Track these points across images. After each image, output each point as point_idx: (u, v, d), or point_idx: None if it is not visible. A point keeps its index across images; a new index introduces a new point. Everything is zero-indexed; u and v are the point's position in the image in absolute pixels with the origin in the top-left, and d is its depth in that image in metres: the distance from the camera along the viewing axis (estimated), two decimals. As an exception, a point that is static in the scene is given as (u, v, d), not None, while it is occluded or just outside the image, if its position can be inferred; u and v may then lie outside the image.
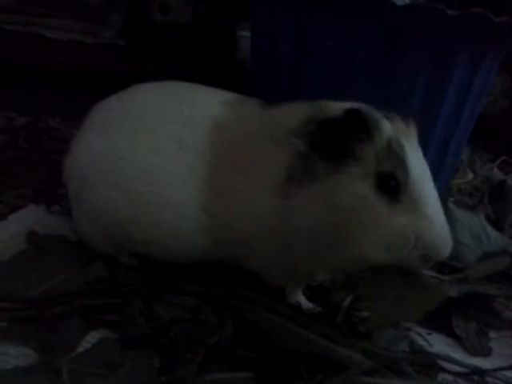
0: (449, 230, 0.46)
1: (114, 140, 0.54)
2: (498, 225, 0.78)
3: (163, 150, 0.52)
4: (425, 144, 0.62)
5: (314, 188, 0.47)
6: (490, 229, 0.73)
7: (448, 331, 0.57)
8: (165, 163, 0.52)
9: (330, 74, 0.65)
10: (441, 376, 0.51)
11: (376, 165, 0.45)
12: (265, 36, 0.72)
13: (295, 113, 0.50)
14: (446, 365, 0.52)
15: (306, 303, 0.56)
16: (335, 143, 0.46)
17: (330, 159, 0.46)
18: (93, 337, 0.49)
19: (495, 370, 0.51)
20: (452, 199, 0.87)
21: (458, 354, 0.54)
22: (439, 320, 0.58)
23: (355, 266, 0.49)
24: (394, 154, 0.45)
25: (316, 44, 0.65)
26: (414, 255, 0.45)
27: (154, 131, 0.53)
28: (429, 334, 0.57)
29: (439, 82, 0.64)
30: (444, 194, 0.78)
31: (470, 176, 0.94)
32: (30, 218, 0.68)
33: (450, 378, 0.51)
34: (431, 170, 0.65)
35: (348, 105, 0.47)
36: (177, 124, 0.53)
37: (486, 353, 0.55)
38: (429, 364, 0.51)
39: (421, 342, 0.55)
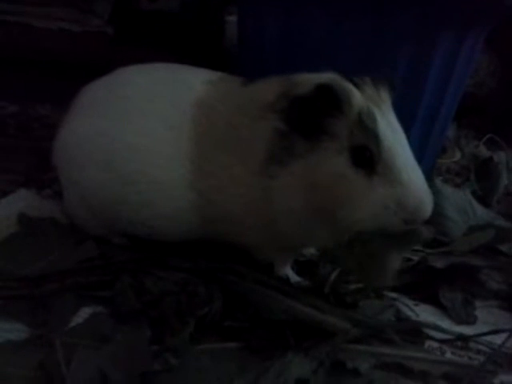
0: (428, 190, 0.47)
1: (101, 121, 0.54)
2: (484, 201, 0.79)
3: (149, 130, 0.52)
4: (410, 121, 0.63)
5: (294, 167, 0.47)
6: (476, 204, 0.74)
7: (434, 302, 0.59)
8: (151, 143, 0.52)
9: (316, 54, 0.65)
10: (427, 343, 0.52)
11: (349, 139, 0.45)
12: (251, 20, 0.72)
13: (270, 87, 0.50)
14: (431, 333, 0.53)
15: (294, 277, 0.57)
16: (308, 120, 0.46)
17: (306, 136, 0.46)
18: (85, 312, 0.50)
19: (478, 335, 0.52)
20: (440, 178, 0.88)
21: (444, 323, 0.55)
22: (426, 291, 0.60)
23: (341, 238, 0.50)
24: (366, 126, 0.45)
25: (301, 24, 0.65)
26: (397, 221, 0.45)
27: (139, 112, 0.53)
28: (415, 304, 0.58)
29: (423, 59, 0.64)
30: (430, 171, 0.79)
31: (458, 155, 0.95)
32: (21, 201, 0.69)
33: (435, 345, 0.53)
34: (417, 147, 0.66)
35: (319, 77, 0.46)
36: (161, 104, 0.53)
37: (471, 321, 0.57)
38: (415, 332, 0.52)
39: (407, 312, 0.56)
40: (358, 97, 0.46)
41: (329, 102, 0.45)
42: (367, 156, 0.45)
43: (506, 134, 0.97)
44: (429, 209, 0.46)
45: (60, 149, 0.58)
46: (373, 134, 0.45)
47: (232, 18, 1.08)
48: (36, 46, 1.13)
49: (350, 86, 0.46)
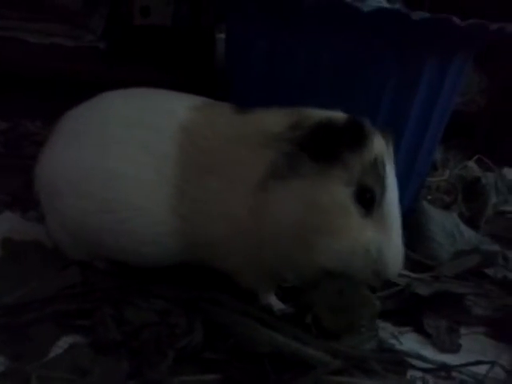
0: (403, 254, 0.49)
1: (82, 148, 0.54)
2: (472, 223, 0.79)
3: (130, 157, 0.52)
4: (396, 146, 0.63)
5: (295, 183, 0.48)
6: (463, 227, 0.74)
7: (418, 329, 0.58)
8: (132, 169, 0.52)
9: (301, 78, 0.65)
10: (410, 373, 0.52)
11: (360, 176, 0.47)
12: (238, 39, 0.73)
13: (275, 119, 0.51)
14: (415, 362, 0.53)
15: (277, 304, 0.56)
16: (326, 146, 0.47)
17: (318, 160, 0.48)
18: (64, 341, 0.50)
19: (462, 365, 0.52)
20: (429, 197, 0.89)
21: (428, 351, 0.55)
22: (410, 318, 0.59)
23: (311, 271, 0.50)
24: (377, 171, 0.48)
25: (288, 49, 0.65)
26: (369, 269, 0.47)
27: (120, 138, 0.53)
28: (399, 331, 0.58)
29: (408, 87, 0.65)
30: (417, 192, 0.79)
31: (447, 174, 0.95)
32: (5, 224, 0.68)
33: (418, 374, 0.52)
34: (403, 170, 0.66)
35: (332, 113, 0.49)
36: (143, 130, 0.53)
37: (455, 349, 0.56)
38: (397, 362, 0.52)
39: (390, 339, 0.56)
40: (378, 142, 0.49)
41: (355, 137, 0.47)
42: (369, 198, 0.47)
43: (494, 153, 0.97)
44: (398, 271, 0.49)
45: (40, 175, 0.58)
46: (381, 181, 0.48)
47: (222, 36, 1.09)
48: (28, 61, 1.13)
49: (374, 132, 0.49)
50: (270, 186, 0.49)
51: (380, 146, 0.49)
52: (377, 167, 0.48)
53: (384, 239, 0.47)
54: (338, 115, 0.49)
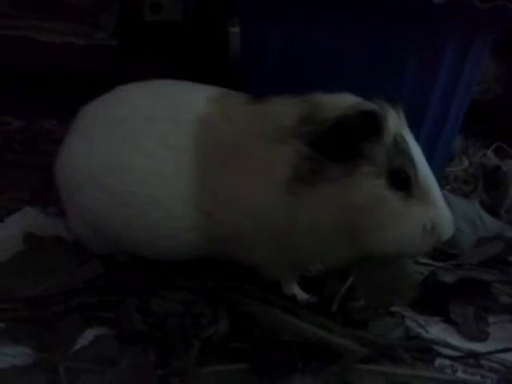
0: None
1: (100, 142, 0.54)
2: (493, 211, 0.78)
3: (149, 150, 0.52)
4: (416, 133, 0.62)
5: (325, 188, 0.46)
6: (484, 214, 0.73)
7: (444, 317, 0.58)
8: (151, 163, 0.51)
9: (319, 66, 0.65)
10: (438, 361, 0.51)
11: (387, 162, 0.46)
12: (253, 32, 0.72)
13: (287, 110, 0.50)
14: (442, 350, 0.52)
15: (301, 294, 0.56)
16: (343, 145, 0.46)
17: (340, 161, 0.46)
18: (90, 334, 0.50)
19: (491, 352, 0.51)
20: (448, 187, 0.87)
21: (455, 339, 0.54)
22: (435, 307, 0.59)
23: (353, 260, 0.49)
24: (401, 149, 0.47)
25: (304, 36, 0.65)
26: (430, 241, 0.47)
27: (139, 132, 0.53)
28: (425, 320, 0.57)
29: (428, 71, 0.64)
30: (438, 181, 0.78)
31: (466, 163, 0.93)
32: (27, 219, 0.68)
33: (447, 362, 0.51)
34: (424, 157, 0.65)
35: (345, 100, 0.48)
36: (162, 123, 0.52)
37: (483, 337, 0.55)
38: (425, 350, 0.51)
39: (417, 328, 0.55)
40: (392, 122, 0.47)
41: (370, 127, 0.46)
42: (404, 178, 0.46)
43: (512, 141, 0.96)
44: (453, 229, 0.49)
45: (60, 170, 0.58)
46: (408, 157, 0.47)
47: (236, 30, 1.08)
48: (40, 60, 1.14)
49: (386, 112, 0.47)
50: (297, 192, 0.47)
51: (395, 121, 0.48)
52: (399, 144, 0.47)
53: (432, 209, 0.47)
54: (348, 102, 0.47)
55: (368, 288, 0.49)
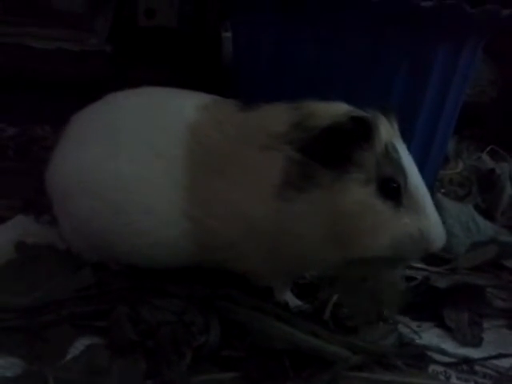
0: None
1: (91, 150, 0.54)
2: (487, 214, 0.78)
3: (140, 158, 0.52)
4: (409, 136, 0.62)
5: (315, 194, 0.46)
6: (479, 218, 0.73)
7: (438, 323, 0.57)
8: (142, 171, 0.51)
9: (310, 70, 0.65)
10: (431, 368, 0.51)
11: (377, 170, 0.46)
12: (244, 37, 0.72)
13: (278, 116, 0.50)
14: (436, 356, 0.52)
15: (294, 301, 0.56)
16: (335, 151, 0.46)
17: (330, 167, 0.46)
18: (81, 343, 0.49)
19: (484, 359, 0.51)
20: (443, 190, 0.87)
21: (448, 345, 0.54)
22: (429, 312, 0.58)
23: (341, 265, 0.49)
24: (392, 158, 0.47)
25: (295, 43, 0.65)
26: (418, 250, 0.47)
27: (130, 139, 0.53)
28: (418, 326, 0.57)
29: (420, 75, 0.64)
30: (432, 185, 0.78)
31: (461, 166, 0.93)
32: (19, 228, 0.68)
33: (440, 369, 0.51)
34: (417, 162, 0.65)
35: (335, 108, 0.48)
36: (152, 131, 0.52)
37: (477, 343, 0.55)
38: (418, 356, 0.51)
39: (410, 334, 0.55)
40: (384, 130, 0.47)
41: (361, 134, 0.46)
42: (394, 187, 0.46)
43: (507, 144, 0.95)
44: (444, 240, 0.48)
45: (50, 178, 0.58)
46: (399, 166, 0.47)
47: (228, 35, 1.08)
48: (35, 67, 1.14)
49: (378, 120, 0.47)
50: (286, 197, 0.47)
51: (386, 129, 0.48)
52: (389, 153, 0.46)
53: (422, 219, 0.46)
54: (340, 110, 0.47)
55: (353, 300, 0.49)
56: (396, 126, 0.50)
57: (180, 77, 1.11)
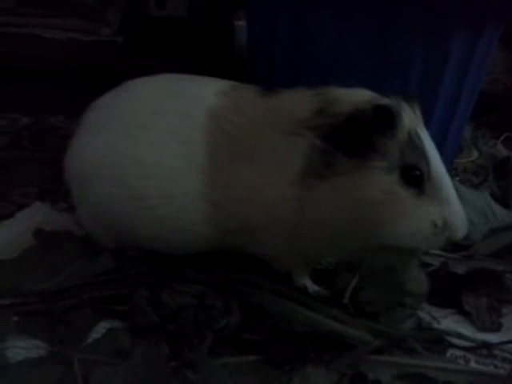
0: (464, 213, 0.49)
1: (110, 137, 0.54)
2: (503, 201, 0.77)
3: (160, 144, 0.52)
4: (426, 123, 0.61)
5: (337, 182, 0.46)
6: (495, 205, 0.72)
7: (456, 308, 0.57)
8: (163, 157, 0.51)
9: (327, 57, 0.64)
10: (450, 352, 0.51)
11: (400, 158, 0.46)
12: (261, 23, 0.72)
13: (301, 103, 0.50)
14: (455, 341, 0.52)
15: (312, 286, 0.56)
16: (356, 139, 0.46)
17: (353, 154, 0.46)
18: (102, 327, 0.50)
19: (503, 343, 0.51)
20: (457, 178, 0.87)
21: (467, 330, 0.54)
22: (447, 298, 0.58)
23: (373, 252, 0.49)
24: (415, 145, 0.46)
25: (311, 27, 0.64)
26: (440, 239, 0.47)
27: (150, 126, 0.53)
28: (437, 311, 0.57)
29: (438, 60, 0.63)
30: (448, 171, 0.78)
31: (475, 154, 0.93)
32: (37, 215, 0.69)
33: (459, 353, 0.51)
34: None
35: (358, 95, 0.47)
36: (172, 117, 0.52)
37: (496, 328, 0.55)
38: (437, 340, 0.51)
39: (429, 319, 0.55)
40: (407, 117, 0.47)
41: (384, 122, 0.46)
42: (417, 175, 0.46)
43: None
44: (466, 229, 0.48)
45: (70, 164, 0.58)
46: (422, 154, 0.46)
47: (241, 23, 1.08)
48: (47, 57, 1.14)
49: (401, 108, 0.47)
50: (309, 185, 0.47)
51: (409, 117, 0.47)
52: (413, 141, 0.46)
53: (445, 207, 0.46)
54: (363, 97, 0.47)
55: (374, 287, 0.49)
56: (419, 114, 0.50)
57: (191, 67, 1.11)
